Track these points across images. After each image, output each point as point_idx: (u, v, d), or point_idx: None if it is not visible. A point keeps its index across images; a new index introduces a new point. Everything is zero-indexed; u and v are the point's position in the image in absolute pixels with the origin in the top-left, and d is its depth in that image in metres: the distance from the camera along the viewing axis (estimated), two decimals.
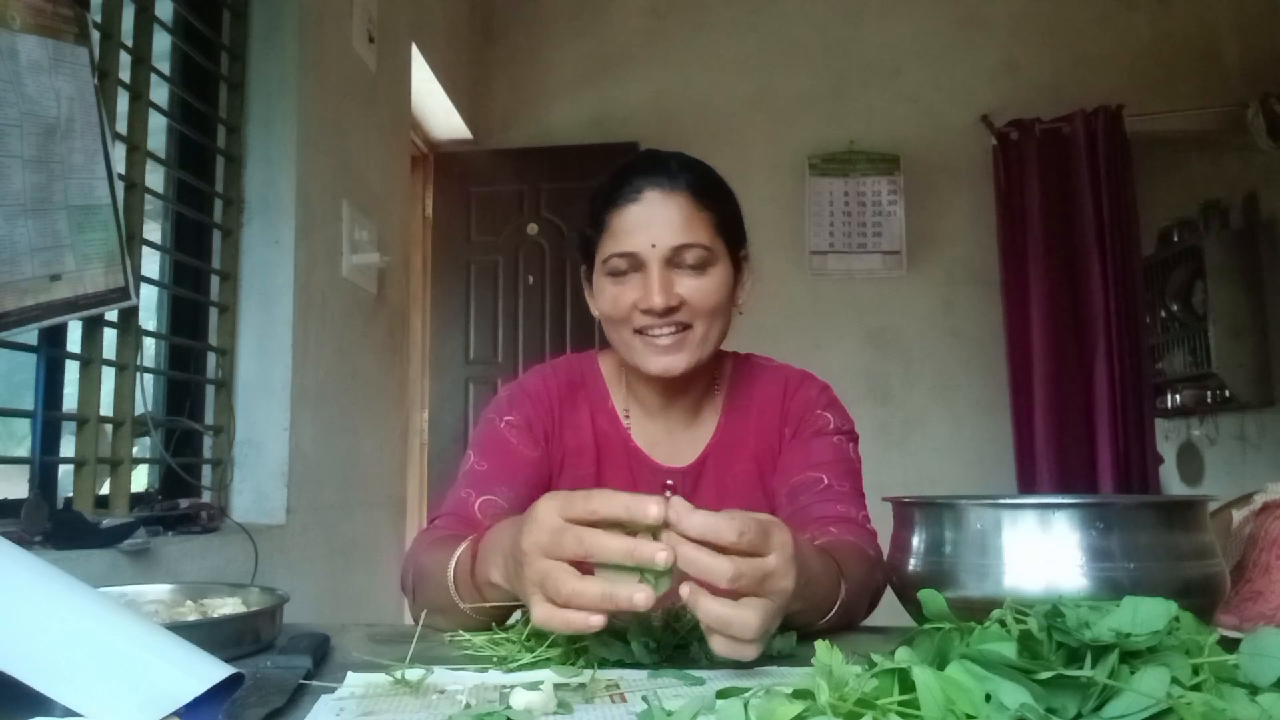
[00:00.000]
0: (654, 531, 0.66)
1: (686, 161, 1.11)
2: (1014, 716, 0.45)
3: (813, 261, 3.62)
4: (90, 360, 1.50)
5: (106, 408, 1.55)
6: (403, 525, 2.72)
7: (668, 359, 1.07)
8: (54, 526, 1.30)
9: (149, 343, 1.71)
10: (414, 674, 0.67)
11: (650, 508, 0.65)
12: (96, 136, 1.43)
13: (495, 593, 0.78)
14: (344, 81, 2.24)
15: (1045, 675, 0.47)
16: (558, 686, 0.63)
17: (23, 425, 1.47)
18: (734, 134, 3.66)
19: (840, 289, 3.65)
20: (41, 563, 0.60)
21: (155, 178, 1.71)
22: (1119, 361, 3.41)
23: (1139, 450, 3.39)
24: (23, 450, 1.48)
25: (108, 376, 1.55)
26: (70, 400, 1.50)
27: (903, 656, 0.50)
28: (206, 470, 1.85)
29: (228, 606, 0.88)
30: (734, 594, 0.66)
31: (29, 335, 1.38)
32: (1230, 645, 0.53)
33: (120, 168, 1.54)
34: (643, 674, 0.71)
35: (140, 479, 1.74)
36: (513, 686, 0.62)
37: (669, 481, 1.15)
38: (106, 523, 1.37)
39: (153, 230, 1.77)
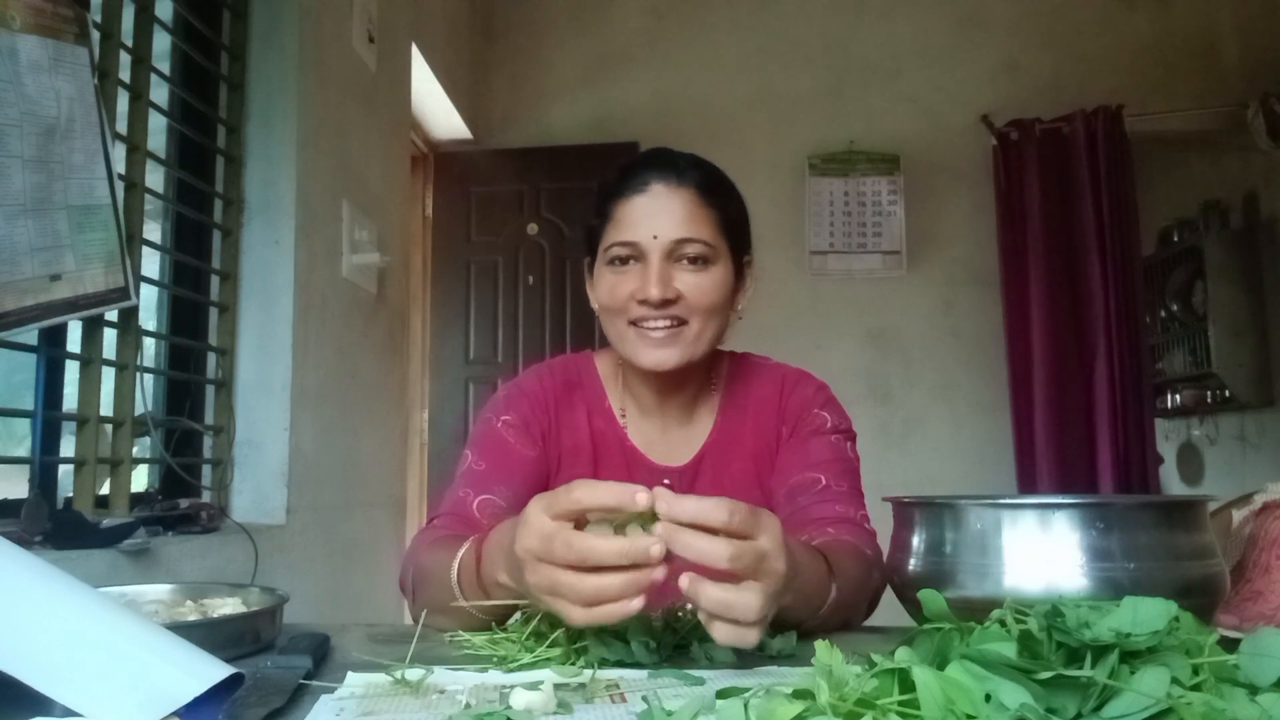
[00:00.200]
0: (642, 521, 0.66)
1: (696, 160, 1.12)
2: (1014, 716, 0.45)
3: (813, 261, 3.62)
4: (90, 360, 1.50)
5: (106, 408, 1.55)
6: (403, 525, 2.72)
7: (660, 353, 1.07)
8: (54, 526, 1.30)
9: (149, 343, 1.71)
10: (414, 674, 0.67)
11: (638, 494, 0.65)
12: (96, 136, 1.43)
13: (503, 592, 0.78)
14: (344, 81, 2.24)
15: (1045, 675, 0.47)
16: (558, 686, 0.63)
17: (23, 425, 1.47)
18: (734, 134, 3.66)
19: (840, 289, 3.65)
20: (41, 563, 0.60)
21: (155, 178, 1.71)
22: (1119, 361, 3.41)
23: (1139, 450, 3.39)
24: (23, 450, 1.48)
25: (108, 376, 1.56)
26: (70, 400, 1.50)
27: (903, 656, 0.50)
28: (206, 470, 1.85)
29: (228, 606, 0.88)
30: (730, 579, 0.66)
31: (29, 335, 1.38)
32: (1230, 645, 0.53)
33: (120, 168, 1.54)
34: (643, 674, 0.71)
35: (140, 479, 1.74)
36: (513, 686, 0.62)
37: (666, 480, 1.14)
38: (106, 523, 1.37)
39: (153, 230, 1.77)
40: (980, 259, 3.62)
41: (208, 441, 1.87)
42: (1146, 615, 0.52)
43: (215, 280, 1.91)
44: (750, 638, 0.66)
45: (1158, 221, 4.08)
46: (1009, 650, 0.50)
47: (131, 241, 1.55)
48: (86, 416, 1.48)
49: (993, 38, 3.72)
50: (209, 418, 1.88)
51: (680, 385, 1.15)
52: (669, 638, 0.77)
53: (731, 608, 0.65)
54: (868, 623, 0.98)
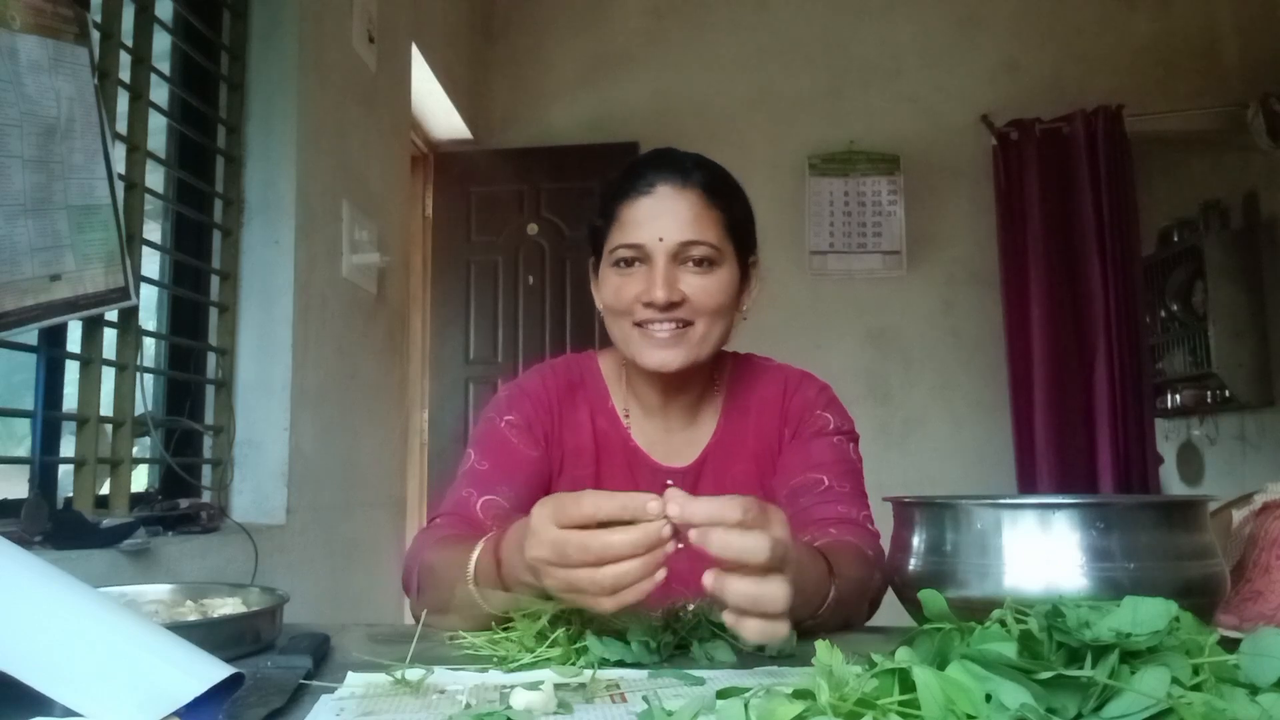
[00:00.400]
0: None
1: (701, 161, 1.11)
2: (1014, 716, 0.45)
3: (813, 261, 3.62)
4: (90, 360, 1.50)
5: (106, 408, 1.55)
6: (403, 525, 2.72)
7: (665, 354, 1.07)
8: (54, 526, 1.30)
9: (149, 343, 1.71)
10: (414, 674, 0.67)
11: (649, 504, 0.65)
12: (96, 136, 1.43)
13: (529, 590, 0.78)
14: (344, 81, 2.24)
15: (1045, 675, 0.47)
16: (558, 686, 0.63)
17: (23, 425, 1.47)
18: (734, 134, 3.65)
19: (840, 289, 3.65)
20: (41, 563, 0.60)
21: (155, 178, 1.71)
22: (1119, 361, 3.41)
23: (1139, 450, 3.39)
24: (23, 450, 1.48)
25: (108, 376, 1.55)
26: (70, 400, 1.50)
27: (903, 656, 0.50)
28: (206, 470, 1.85)
29: (228, 606, 0.88)
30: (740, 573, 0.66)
31: (29, 335, 1.38)
32: (1230, 645, 0.53)
33: (120, 168, 1.54)
34: (643, 674, 0.71)
35: (140, 479, 1.74)
36: (513, 686, 0.62)
37: (668, 481, 1.14)
38: (106, 523, 1.37)
39: (153, 230, 1.77)
40: (980, 259, 3.62)
41: (208, 441, 1.87)
42: (1147, 615, 0.52)
43: (215, 280, 1.91)
44: (782, 630, 0.66)
45: (1158, 221, 4.09)
46: (1009, 650, 0.50)
47: (131, 241, 1.55)
48: (86, 416, 1.48)
49: (993, 38, 3.72)
50: (209, 418, 1.87)
51: (684, 386, 1.15)
52: (669, 638, 0.77)
53: (760, 601, 0.64)
54: (868, 623, 0.98)
